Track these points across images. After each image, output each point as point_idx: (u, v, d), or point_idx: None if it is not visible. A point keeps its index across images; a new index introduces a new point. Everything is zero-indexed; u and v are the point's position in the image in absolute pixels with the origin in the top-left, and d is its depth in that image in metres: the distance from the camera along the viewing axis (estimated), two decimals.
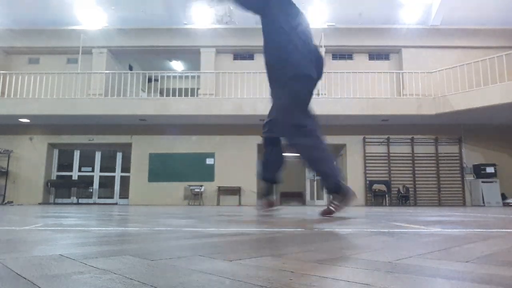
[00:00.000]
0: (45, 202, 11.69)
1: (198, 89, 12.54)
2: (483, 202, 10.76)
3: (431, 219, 2.66)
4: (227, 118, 11.11)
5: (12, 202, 11.13)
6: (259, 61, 13.13)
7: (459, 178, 11.62)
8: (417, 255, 0.89)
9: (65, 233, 1.49)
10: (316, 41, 3.17)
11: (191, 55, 13.18)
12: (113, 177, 12.52)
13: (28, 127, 11.83)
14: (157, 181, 11.69)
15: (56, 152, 12.53)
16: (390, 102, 10.83)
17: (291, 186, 15.49)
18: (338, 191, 2.77)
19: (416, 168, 11.70)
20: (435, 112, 10.57)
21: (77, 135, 11.97)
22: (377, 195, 11.54)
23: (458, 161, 11.67)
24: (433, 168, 11.68)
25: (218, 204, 11.43)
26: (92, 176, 12.49)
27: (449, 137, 11.73)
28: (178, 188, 11.58)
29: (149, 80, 13.26)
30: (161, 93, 12.58)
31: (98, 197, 12.48)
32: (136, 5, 11.93)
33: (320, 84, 11.97)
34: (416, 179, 11.64)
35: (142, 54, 13.57)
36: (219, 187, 11.52)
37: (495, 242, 1.19)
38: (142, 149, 11.90)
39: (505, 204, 10.60)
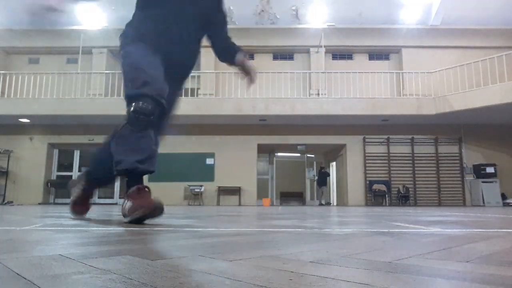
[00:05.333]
0: (45, 202, 11.69)
1: (198, 89, 12.54)
2: (483, 202, 10.76)
3: (431, 219, 2.66)
4: (227, 118, 11.10)
5: (12, 202, 11.13)
6: (259, 61, 13.14)
7: (459, 178, 11.62)
8: (417, 255, 0.89)
9: (65, 233, 1.49)
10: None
11: None
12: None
13: (28, 127, 11.82)
14: (157, 181, 11.65)
15: (56, 152, 12.53)
16: (390, 102, 10.83)
17: (291, 186, 15.51)
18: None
19: (416, 168, 11.70)
20: (435, 112, 10.57)
21: (77, 135, 11.96)
22: (377, 195, 11.54)
23: (458, 161, 11.67)
24: (433, 168, 11.68)
25: (218, 204, 11.43)
26: None
27: (449, 137, 11.73)
28: (178, 188, 11.58)
29: None
30: None
31: (98, 197, 12.47)
32: None
33: (320, 84, 11.89)
34: (416, 179, 11.64)
35: None
36: (219, 187, 11.52)
37: (495, 242, 1.19)
38: None
39: (505, 204, 10.60)
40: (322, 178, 12.65)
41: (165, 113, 2.08)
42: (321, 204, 11.88)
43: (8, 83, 11.46)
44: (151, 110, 1.91)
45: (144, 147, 1.95)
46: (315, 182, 13.44)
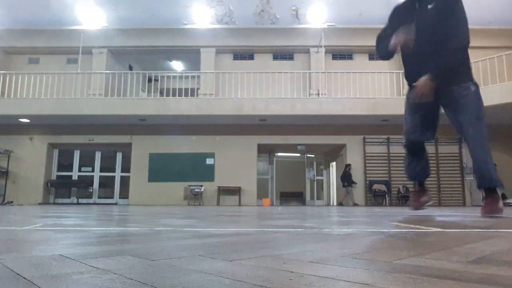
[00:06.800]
0: (45, 202, 11.69)
1: (198, 89, 12.54)
2: (483, 202, 10.76)
3: (431, 219, 2.66)
4: (227, 118, 11.10)
5: (12, 202, 11.13)
6: (259, 61, 13.14)
7: (459, 178, 11.62)
8: (417, 255, 0.89)
9: (65, 233, 1.49)
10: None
11: (191, 55, 13.19)
12: (113, 177, 12.52)
13: (28, 127, 11.82)
14: (157, 181, 11.69)
15: (56, 152, 12.53)
16: (390, 102, 10.83)
17: (291, 186, 15.51)
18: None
19: None
20: None
21: (77, 135, 11.96)
22: (377, 195, 11.53)
23: (458, 161, 11.67)
24: (433, 168, 11.65)
25: (218, 204, 11.43)
26: (92, 176, 12.49)
27: (449, 137, 11.72)
28: (178, 188, 11.58)
29: (149, 80, 13.27)
30: (161, 93, 12.59)
31: (98, 197, 12.48)
32: (136, 5, 11.93)
33: (320, 84, 11.91)
34: None
35: (142, 54, 13.57)
36: (219, 187, 11.52)
37: (495, 242, 1.19)
38: (142, 149, 11.90)
39: (505, 204, 10.59)
40: (348, 178, 11.84)
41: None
42: (355, 204, 11.26)
43: (8, 83, 11.46)
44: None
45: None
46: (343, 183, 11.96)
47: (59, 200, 12.16)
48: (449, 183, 11.59)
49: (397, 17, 3.02)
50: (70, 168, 12.58)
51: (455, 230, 1.67)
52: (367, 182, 11.59)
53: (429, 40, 2.83)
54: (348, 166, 11.76)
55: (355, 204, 11.12)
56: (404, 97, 3.22)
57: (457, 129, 2.85)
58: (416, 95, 2.77)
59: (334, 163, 13.93)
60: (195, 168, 11.75)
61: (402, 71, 11.62)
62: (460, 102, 2.79)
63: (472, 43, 11.18)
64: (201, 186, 11.47)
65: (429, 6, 2.84)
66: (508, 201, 10.85)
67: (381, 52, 3.11)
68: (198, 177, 11.65)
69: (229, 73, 11.65)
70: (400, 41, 2.76)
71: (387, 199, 11.47)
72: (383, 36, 3.07)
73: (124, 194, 12.13)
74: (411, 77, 2.98)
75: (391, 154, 11.75)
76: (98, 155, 12.66)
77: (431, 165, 12.21)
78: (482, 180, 2.81)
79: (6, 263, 0.77)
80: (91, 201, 12.29)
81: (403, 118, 3.19)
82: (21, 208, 6.41)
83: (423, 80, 2.71)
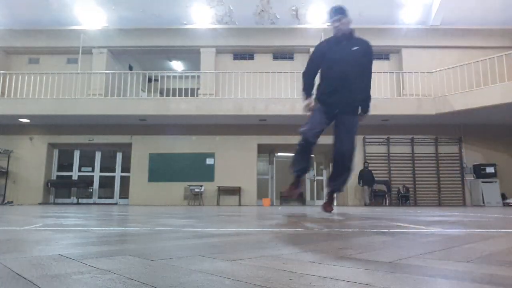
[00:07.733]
0: (45, 202, 11.69)
1: (198, 89, 12.54)
2: (483, 202, 10.76)
3: (431, 219, 2.65)
4: (227, 118, 11.11)
5: (12, 202, 11.13)
6: (259, 61, 13.13)
7: (459, 178, 11.61)
8: (417, 255, 0.89)
9: (65, 233, 1.49)
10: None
11: (191, 55, 13.18)
12: (113, 177, 12.51)
13: (28, 127, 11.82)
14: (157, 181, 11.69)
15: (56, 152, 12.53)
16: (390, 102, 10.82)
17: None
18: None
19: (416, 168, 11.69)
20: (435, 112, 10.57)
21: (77, 135, 11.96)
22: (377, 195, 11.52)
23: (458, 161, 11.67)
24: (433, 168, 11.67)
25: (218, 204, 11.43)
26: (92, 176, 12.49)
27: (449, 137, 11.73)
28: (178, 188, 11.58)
29: (149, 80, 13.27)
30: (161, 93, 12.59)
31: (98, 197, 12.48)
32: (136, 5, 11.93)
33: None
34: (416, 179, 11.63)
35: (142, 54, 13.57)
36: (219, 187, 11.52)
37: (495, 242, 1.19)
38: (142, 149, 11.90)
39: (505, 204, 10.60)
40: (367, 176, 11.28)
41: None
42: (366, 205, 10.95)
43: (8, 83, 11.46)
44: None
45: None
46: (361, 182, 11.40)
47: (59, 200, 12.16)
48: (449, 183, 11.59)
49: (320, 53, 3.83)
50: (70, 168, 12.57)
51: (455, 230, 1.67)
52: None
53: (351, 72, 3.78)
54: (365, 163, 11.25)
55: (366, 204, 11.01)
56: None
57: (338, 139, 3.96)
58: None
59: None
60: (195, 168, 11.75)
61: (402, 71, 11.66)
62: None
63: (472, 43, 11.39)
64: (201, 186, 11.47)
65: (354, 48, 3.82)
66: (508, 201, 10.86)
67: (305, 88, 3.95)
68: (198, 177, 11.65)
69: (229, 73, 11.65)
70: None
71: (387, 199, 11.46)
72: (308, 75, 3.93)
73: (124, 194, 12.13)
74: (328, 92, 3.84)
75: (391, 154, 11.75)
76: (98, 155, 12.65)
77: (431, 164, 12.33)
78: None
79: (6, 263, 0.77)
80: (91, 201, 12.28)
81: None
82: (21, 208, 6.42)
83: None
